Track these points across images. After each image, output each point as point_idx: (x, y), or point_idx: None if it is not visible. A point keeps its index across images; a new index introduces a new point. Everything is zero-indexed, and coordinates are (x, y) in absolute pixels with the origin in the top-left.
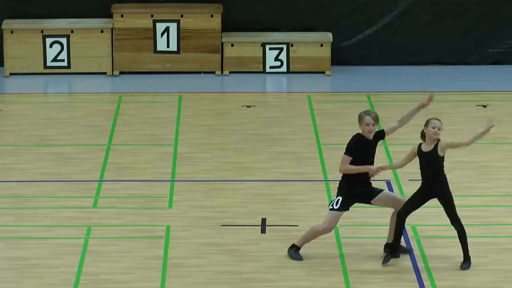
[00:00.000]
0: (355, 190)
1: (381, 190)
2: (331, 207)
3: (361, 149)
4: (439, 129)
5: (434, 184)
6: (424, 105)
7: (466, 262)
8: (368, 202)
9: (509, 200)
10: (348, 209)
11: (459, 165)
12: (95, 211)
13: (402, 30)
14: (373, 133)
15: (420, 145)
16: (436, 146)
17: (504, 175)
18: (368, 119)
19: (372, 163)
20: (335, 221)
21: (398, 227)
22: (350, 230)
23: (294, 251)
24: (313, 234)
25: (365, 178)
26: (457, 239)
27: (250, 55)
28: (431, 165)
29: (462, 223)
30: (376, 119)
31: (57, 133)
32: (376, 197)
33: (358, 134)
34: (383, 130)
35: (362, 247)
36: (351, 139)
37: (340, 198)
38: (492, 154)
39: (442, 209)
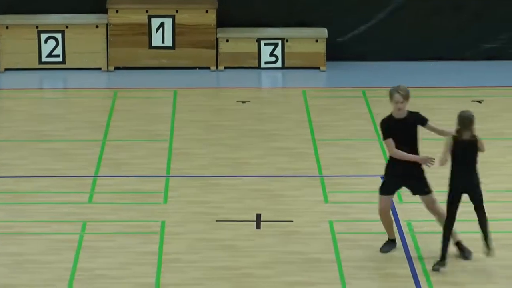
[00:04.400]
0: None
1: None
2: None
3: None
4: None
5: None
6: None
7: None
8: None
9: (507, 196)
10: (393, 193)
11: None
12: (90, 207)
13: (397, 26)
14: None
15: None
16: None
17: (502, 171)
18: (397, 97)
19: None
20: (380, 202)
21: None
22: (345, 226)
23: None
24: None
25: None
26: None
27: (245, 51)
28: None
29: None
30: (406, 97)
31: (52, 129)
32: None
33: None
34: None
35: (357, 243)
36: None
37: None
38: (490, 150)
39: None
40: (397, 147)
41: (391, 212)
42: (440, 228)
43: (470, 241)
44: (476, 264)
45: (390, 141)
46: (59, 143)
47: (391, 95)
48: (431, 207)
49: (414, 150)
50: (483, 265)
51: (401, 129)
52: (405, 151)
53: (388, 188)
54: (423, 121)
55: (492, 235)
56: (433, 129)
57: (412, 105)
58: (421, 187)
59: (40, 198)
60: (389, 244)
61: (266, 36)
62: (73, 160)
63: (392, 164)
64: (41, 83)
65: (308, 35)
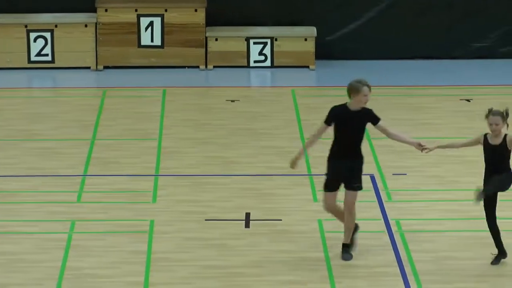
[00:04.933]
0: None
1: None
2: None
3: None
4: (496, 125)
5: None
6: (417, 147)
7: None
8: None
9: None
10: (336, 188)
11: (446, 159)
12: (79, 206)
13: (387, 24)
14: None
15: (486, 136)
16: (504, 139)
17: None
18: (366, 89)
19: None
20: (325, 199)
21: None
22: (334, 224)
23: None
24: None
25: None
26: (442, 233)
27: (234, 50)
28: (499, 157)
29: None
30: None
31: (42, 128)
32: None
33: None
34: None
35: None
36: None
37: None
38: (478, 149)
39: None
40: (344, 137)
41: (337, 203)
42: (430, 227)
43: (462, 239)
44: (465, 262)
45: (326, 128)
46: (48, 142)
47: (357, 89)
48: (350, 204)
49: (358, 144)
50: (472, 263)
51: (353, 121)
52: (350, 144)
53: (331, 184)
54: (375, 120)
55: (480, 234)
56: (383, 130)
57: (402, 104)
58: (351, 181)
59: (29, 197)
60: (354, 232)
61: (255, 35)
62: (62, 159)
63: (333, 160)
64: (30, 82)
65: (297, 34)
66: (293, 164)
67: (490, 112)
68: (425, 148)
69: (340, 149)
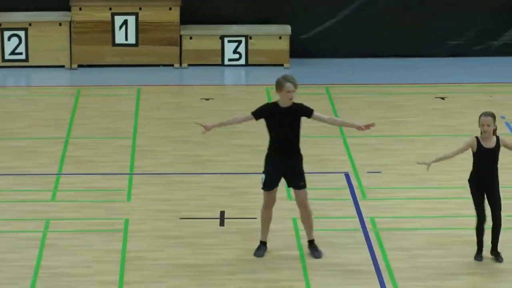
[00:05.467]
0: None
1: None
2: None
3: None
4: (488, 126)
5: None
6: (359, 128)
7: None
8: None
9: (469, 192)
10: (275, 186)
11: (420, 158)
12: (53, 205)
13: (361, 23)
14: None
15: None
16: (498, 142)
17: (464, 167)
18: (290, 86)
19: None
20: (265, 198)
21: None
22: None
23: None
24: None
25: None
26: (416, 231)
27: (209, 48)
28: (493, 160)
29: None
30: (296, 85)
31: (16, 127)
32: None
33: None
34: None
35: (320, 239)
36: None
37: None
38: (452, 146)
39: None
40: (277, 134)
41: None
42: (404, 225)
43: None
44: (440, 260)
45: (250, 118)
46: (23, 141)
47: (281, 85)
48: (304, 202)
49: (295, 140)
50: (447, 261)
51: (285, 117)
52: (285, 141)
53: (270, 183)
54: (308, 112)
55: (455, 232)
56: (320, 120)
57: (377, 102)
58: (296, 181)
59: (3, 196)
60: (262, 248)
61: (230, 33)
62: (36, 158)
63: (272, 158)
64: (4, 81)
65: (271, 32)
66: (202, 124)
67: (482, 113)
68: (370, 125)
69: (276, 147)
